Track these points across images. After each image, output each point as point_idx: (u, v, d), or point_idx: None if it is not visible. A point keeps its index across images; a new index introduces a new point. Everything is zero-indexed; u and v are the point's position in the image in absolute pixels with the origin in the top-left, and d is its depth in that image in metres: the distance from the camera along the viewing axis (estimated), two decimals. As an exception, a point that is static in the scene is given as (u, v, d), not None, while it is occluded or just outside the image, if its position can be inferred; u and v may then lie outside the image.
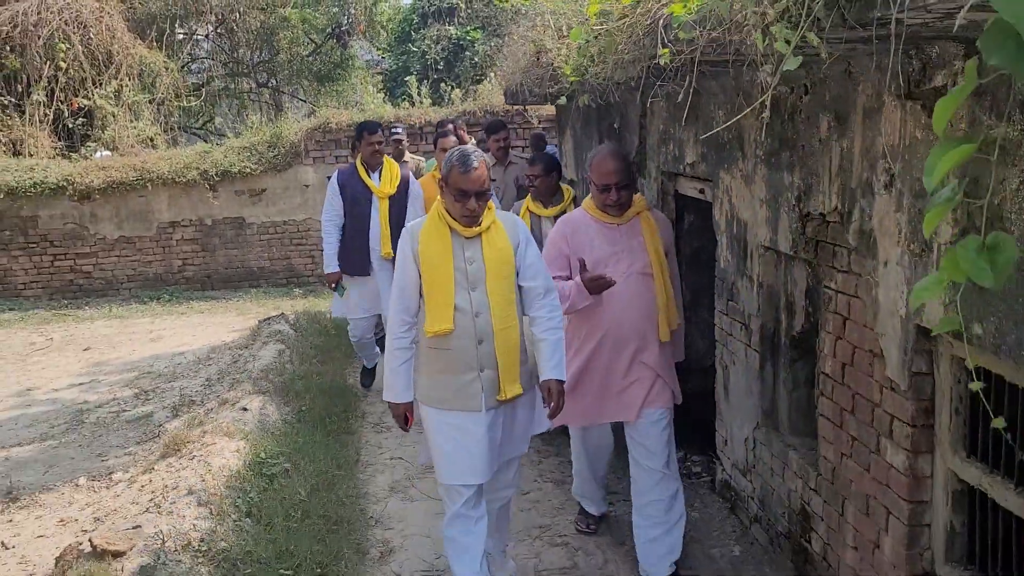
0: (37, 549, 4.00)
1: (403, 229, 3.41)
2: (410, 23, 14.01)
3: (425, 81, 12.30)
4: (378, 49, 16.49)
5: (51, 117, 12.46)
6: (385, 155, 6.00)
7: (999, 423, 1.78)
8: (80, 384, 7.03)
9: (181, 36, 16.82)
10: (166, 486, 4.17)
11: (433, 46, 13.53)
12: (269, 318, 8.09)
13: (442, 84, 11.85)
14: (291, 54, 16.90)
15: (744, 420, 4.01)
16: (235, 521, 3.87)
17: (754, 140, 3.69)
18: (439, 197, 3.29)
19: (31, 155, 11.76)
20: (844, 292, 3.02)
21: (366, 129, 5.93)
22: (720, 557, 3.87)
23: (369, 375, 6.32)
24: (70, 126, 12.84)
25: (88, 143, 12.73)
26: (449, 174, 3.14)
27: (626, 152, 3.64)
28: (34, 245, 10.79)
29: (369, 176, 5.88)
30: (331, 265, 5.95)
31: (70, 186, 10.60)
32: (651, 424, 3.64)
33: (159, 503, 3.92)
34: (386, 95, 13.99)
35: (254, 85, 18.00)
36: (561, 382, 3.27)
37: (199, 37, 17.40)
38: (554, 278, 3.50)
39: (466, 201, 3.12)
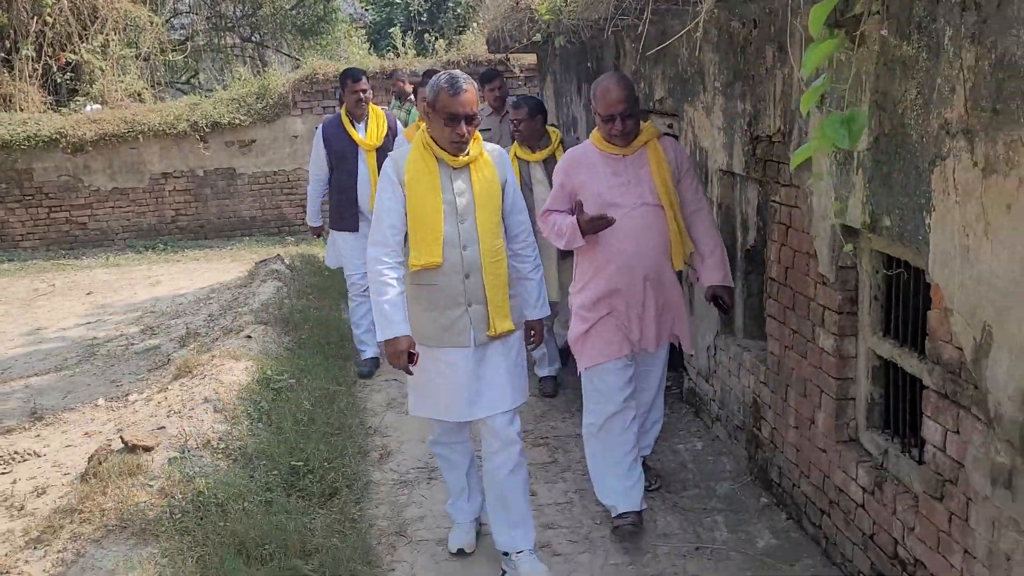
0: (68, 455, 4.41)
1: (386, 158, 3.28)
2: (393, -25, 14.20)
3: (409, 32, 12.53)
4: (361, 2, 16.60)
5: (40, 72, 12.62)
6: (372, 104, 5.75)
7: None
8: (87, 323, 7.41)
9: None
10: (182, 400, 4.59)
11: (416, -2, 13.73)
12: (266, 260, 8.46)
13: (426, 35, 12.06)
14: (274, 8, 16.97)
15: (706, 331, 4.44)
16: (248, 426, 4.30)
17: (712, 73, 4.07)
18: (422, 126, 3.21)
19: (22, 109, 11.95)
20: (786, 204, 3.43)
21: (350, 77, 5.70)
22: (684, 451, 4.33)
23: (373, 366, 5.75)
24: (58, 81, 13.03)
25: (76, 97, 12.93)
26: (437, 98, 3.01)
27: (630, 81, 3.54)
28: (30, 197, 11.06)
29: (354, 127, 5.64)
30: (314, 219, 5.98)
31: (63, 139, 10.84)
32: (657, 356, 3.73)
33: (179, 411, 4.34)
34: (371, 47, 14.19)
35: (238, 40, 18.07)
36: (541, 320, 3.35)
37: (182, -7, 17.46)
38: (555, 212, 3.57)
39: (456, 126, 3.00)
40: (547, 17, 4.38)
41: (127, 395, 5.32)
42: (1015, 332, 2.11)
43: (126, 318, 7.44)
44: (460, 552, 3.48)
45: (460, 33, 12.24)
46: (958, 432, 2.38)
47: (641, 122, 3.57)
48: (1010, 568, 2.20)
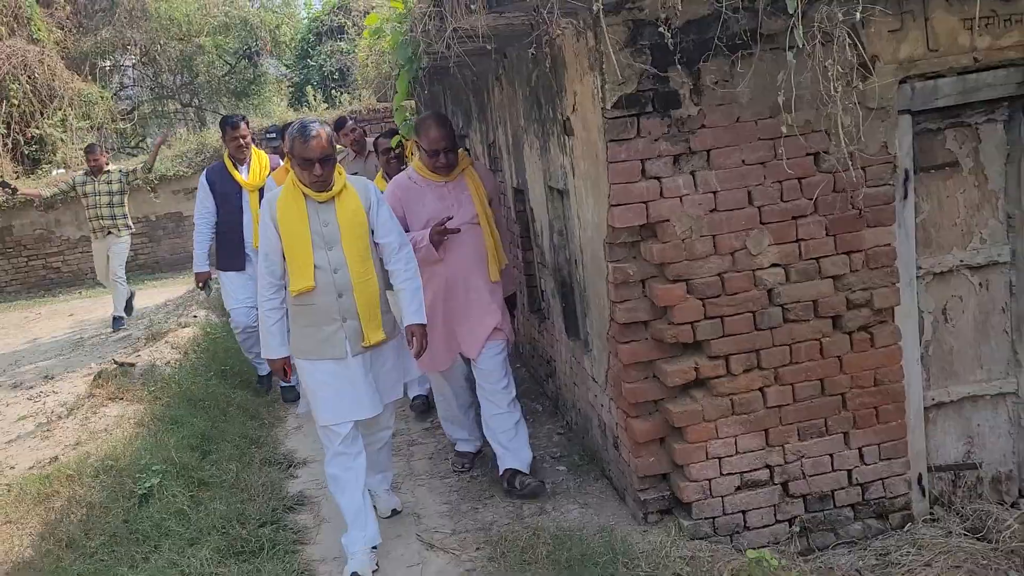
0: (74, 387, 6.68)
1: (262, 200, 3.70)
2: (308, 41, 16.69)
3: (323, 89, 15.03)
4: (285, 65, 19.11)
5: (10, 146, 14.86)
6: (253, 147, 5.97)
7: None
8: (73, 330, 9.64)
9: (109, 66, 19.21)
10: (151, 348, 6.90)
11: (328, 60, 16.19)
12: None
13: (333, 91, 14.56)
14: (209, 75, 19.41)
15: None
16: (196, 356, 6.62)
17: (474, 107, 6.54)
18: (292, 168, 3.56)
19: (-2, 177, 14.16)
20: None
21: (228, 124, 5.91)
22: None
23: (269, 381, 6.17)
24: (26, 152, 15.26)
25: (43, 164, 15.16)
26: (293, 145, 3.41)
27: (448, 117, 4.28)
28: (11, 249, 13.25)
29: (237, 170, 5.84)
30: (200, 264, 5.97)
31: (36, 199, 13.07)
32: (491, 356, 4.15)
33: (149, 352, 6.67)
34: (291, 103, 16.66)
35: (179, 106, 20.46)
36: (422, 326, 3.64)
37: (127, 67, 19.82)
38: None
39: (311, 168, 3.39)
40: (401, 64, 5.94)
41: (112, 360, 7.60)
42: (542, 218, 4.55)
43: (103, 323, 9.68)
44: None
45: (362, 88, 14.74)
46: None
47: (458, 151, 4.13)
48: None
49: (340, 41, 16.12)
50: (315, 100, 14.02)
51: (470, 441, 4.55)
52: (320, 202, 3.49)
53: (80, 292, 12.80)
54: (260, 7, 19.42)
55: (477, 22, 3.15)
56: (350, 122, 7.04)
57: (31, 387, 7.12)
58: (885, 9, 3.13)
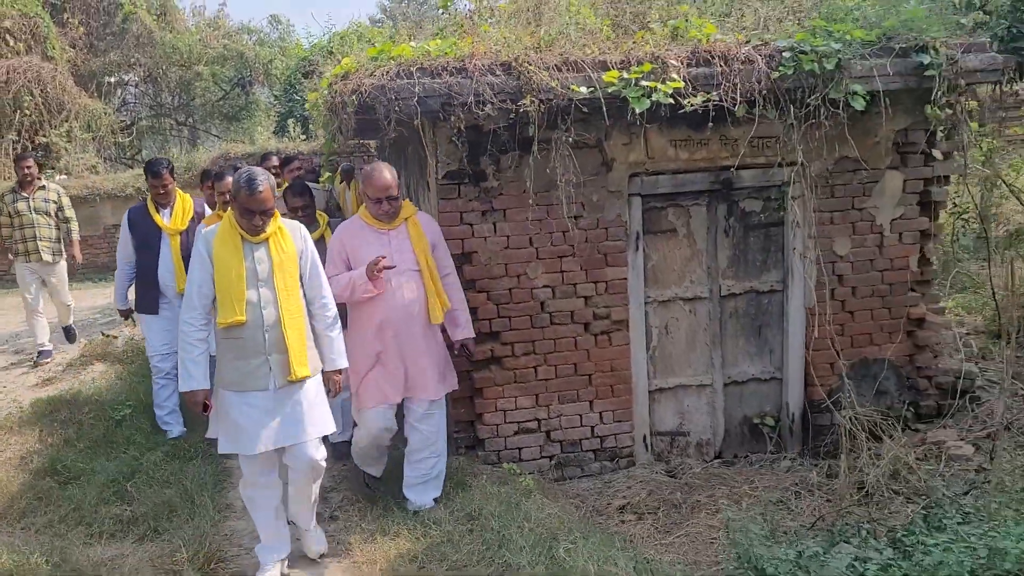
0: (67, 356, 8.37)
1: (197, 233, 3.90)
2: (295, 77, 18.57)
3: (302, 122, 16.88)
4: (274, 96, 21.00)
5: (19, 151, 16.58)
6: (179, 191, 5.94)
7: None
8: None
9: (114, 81, 21.05)
10: (131, 329, 8.60)
11: (312, 93, 18.09)
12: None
13: (311, 125, 16.40)
14: (204, 99, 21.29)
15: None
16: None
17: (411, 161, 8.36)
18: (230, 208, 3.71)
19: (6, 180, 15.87)
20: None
21: (150, 172, 5.85)
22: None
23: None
24: (34, 158, 16.94)
25: (47, 170, 16.87)
26: (238, 194, 3.58)
27: (394, 169, 4.45)
28: (13, 243, 14.87)
29: (159, 212, 5.79)
30: (121, 302, 6.05)
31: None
32: (428, 415, 4.46)
33: (130, 330, 8.37)
34: (276, 130, 18.51)
35: (175, 123, 22.29)
36: (340, 371, 3.89)
37: (130, 85, 21.66)
38: (334, 276, 4.17)
39: (252, 217, 3.60)
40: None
41: (101, 332, 9.30)
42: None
43: (92, 309, 11.37)
44: None
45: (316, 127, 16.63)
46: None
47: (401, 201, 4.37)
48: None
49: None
50: (294, 131, 15.85)
51: (377, 468, 4.73)
52: (255, 242, 3.69)
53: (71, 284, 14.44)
54: (257, 41, 21.37)
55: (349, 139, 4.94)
56: (296, 161, 7.48)
57: (31, 354, 8.82)
58: (619, 131, 4.97)
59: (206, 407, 3.75)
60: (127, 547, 4.29)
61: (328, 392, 3.91)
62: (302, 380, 3.75)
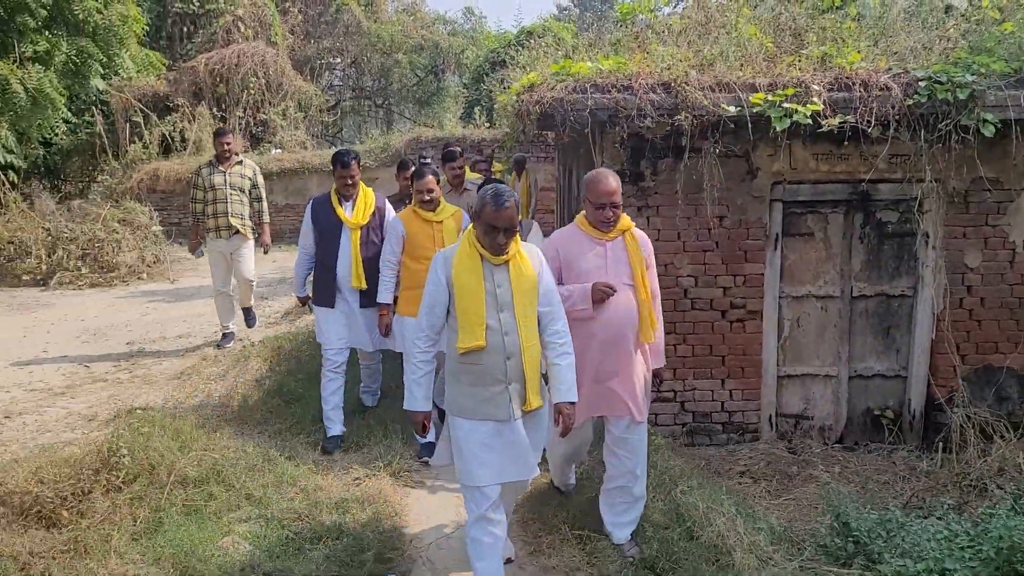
0: (279, 306, 9.90)
1: (436, 254, 3.67)
2: (484, 67, 19.89)
3: (488, 111, 18.15)
4: (463, 84, 22.51)
5: (243, 126, 18.91)
6: (362, 185, 5.89)
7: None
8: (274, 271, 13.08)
9: (323, 65, 23.30)
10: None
11: (496, 86, 19.35)
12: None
13: (495, 114, 17.64)
14: (401, 84, 23.12)
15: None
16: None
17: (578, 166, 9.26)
18: (471, 226, 3.59)
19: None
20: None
21: (339, 162, 5.80)
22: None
23: (336, 443, 5.69)
24: (253, 132, 19.29)
25: (264, 143, 19.13)
26: (482, 210, 3.47)
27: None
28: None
29: (341, 205, 5.77)
30: (299, 290, 6.13)
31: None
32: (634, 434, 4.21)
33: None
34: (462, 117, 19.96)
35: (373, 105, 24.34)
36: (572, 404, 3.65)
37: (336, 69, 23.88)
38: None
39: (496, 235, 3.46)
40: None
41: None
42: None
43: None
44: None
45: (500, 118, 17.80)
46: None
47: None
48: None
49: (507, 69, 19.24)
50: (480, 118, 17.13)
51: (569, 484, 4.86)
52: (496, 264, 3.55)
53: (279, 246, 16.48)
54: (451, 31, 22.94)
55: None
56: (459, 160, 6.89)
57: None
58: (765, 144, 5.63)
59: (425, 428, 3.73)
60: (336, 455, 5.49)
61: (556, 425, 3.72)
62: (535, 410, 3.65)
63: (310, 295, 5.99)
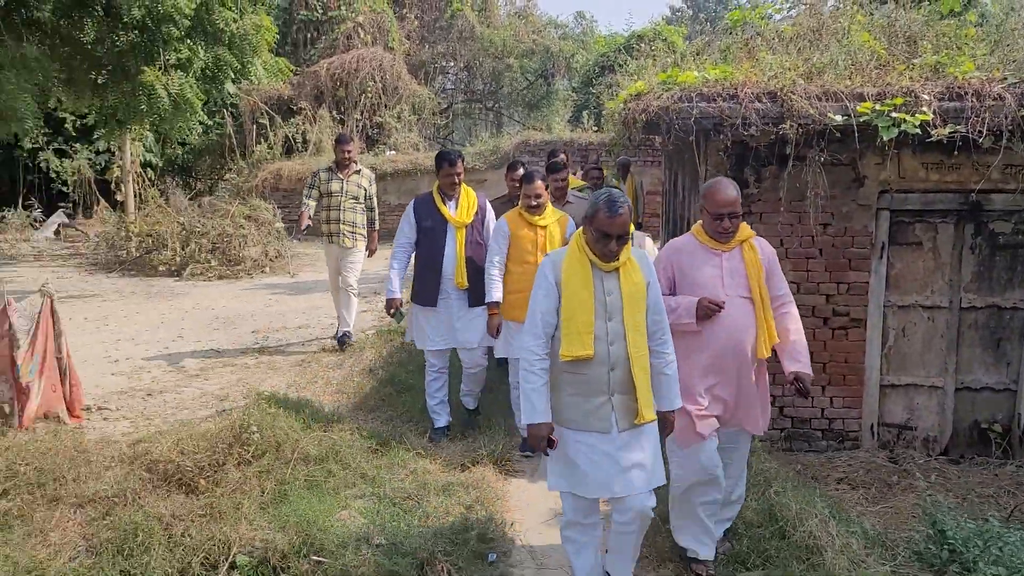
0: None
1: (544, 258, 3.65)
2: (593, 72, 20.09)
3: (596, 116, 18.34)
4: (572, 88, 22.76)
5: (361, 127, 19.72)
6: (464, 184, 5.89)
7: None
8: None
9: (436, 68, 23.99)
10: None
11: (605, 91, 19.52)
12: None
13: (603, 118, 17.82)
14: (511, 88, 23.56)
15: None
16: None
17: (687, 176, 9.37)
18: (580, 229, 3.55)
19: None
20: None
21: (446, 160, 5.82)
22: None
23: (444, 434, 5.89)
24: (369, 134, 20.09)
25: (379, 145, 19.89)
26: (595, 216, 3.40)
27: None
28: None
29: (445, 204, 5.77)
30: (393, 291, 5.87)
31: (373, 171, 17.60)
32: (740, 444, 4.21)
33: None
34: (571, 120, 20.21)
35: (484, 108, 24.88)
36: (673, 412, 3.63)
37: (449, 73, 24.55)
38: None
39: (608, 242, 3.39)
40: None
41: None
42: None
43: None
44: None
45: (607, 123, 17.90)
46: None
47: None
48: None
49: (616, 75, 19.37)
50: (588, 122, 17.33)
51: (707, 547, 4.31)
52: (606, 271, 3.49)
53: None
54: (561, 36, 23.22)
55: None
56: (563, 171, 6.44)
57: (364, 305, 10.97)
58: (872, 152, 5.63)
59: (551, 443, 3.49)
60: (442, 443, 5.83)
61: (663, 433, 3.66)
62: (645, 424, 3.53)
63: (401, 300, 5.95)
